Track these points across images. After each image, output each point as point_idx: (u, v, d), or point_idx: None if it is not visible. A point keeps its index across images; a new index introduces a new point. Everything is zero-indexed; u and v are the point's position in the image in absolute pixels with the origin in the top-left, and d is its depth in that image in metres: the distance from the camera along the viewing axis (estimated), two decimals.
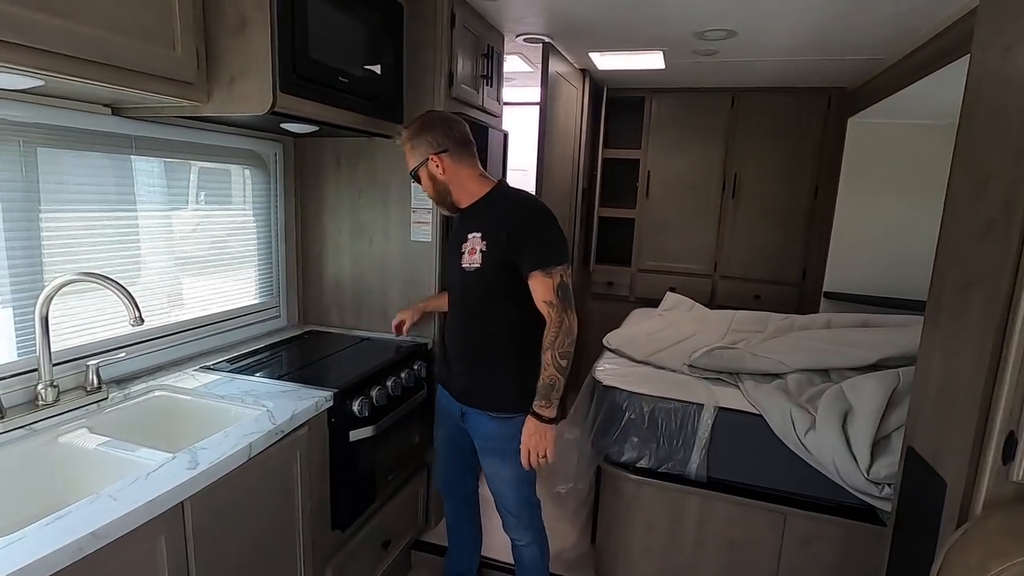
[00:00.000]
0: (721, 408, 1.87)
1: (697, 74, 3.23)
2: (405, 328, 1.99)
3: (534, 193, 2.77)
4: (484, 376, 1.58)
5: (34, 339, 1.31)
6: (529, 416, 1.48)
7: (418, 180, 1.59)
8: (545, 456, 1.49)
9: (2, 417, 1.24)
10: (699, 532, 1.91)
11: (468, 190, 1.56)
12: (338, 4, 1.59)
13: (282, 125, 1.75)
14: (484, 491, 1.78)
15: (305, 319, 2.32)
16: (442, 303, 1.86)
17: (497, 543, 2.00)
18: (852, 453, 1.64)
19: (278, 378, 1.65)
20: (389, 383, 1.80)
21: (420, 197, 2.08)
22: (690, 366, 2.16)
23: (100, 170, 1.53)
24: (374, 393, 1.71)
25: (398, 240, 2.15)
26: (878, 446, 1.64)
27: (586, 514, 2.42)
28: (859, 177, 3.23)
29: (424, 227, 2.11)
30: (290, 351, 1.98)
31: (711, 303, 3.65)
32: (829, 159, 3.39)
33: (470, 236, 1.53)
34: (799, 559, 1.83)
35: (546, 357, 1.45)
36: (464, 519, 1.90)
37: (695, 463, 1.86)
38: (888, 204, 3.21)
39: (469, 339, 1.61)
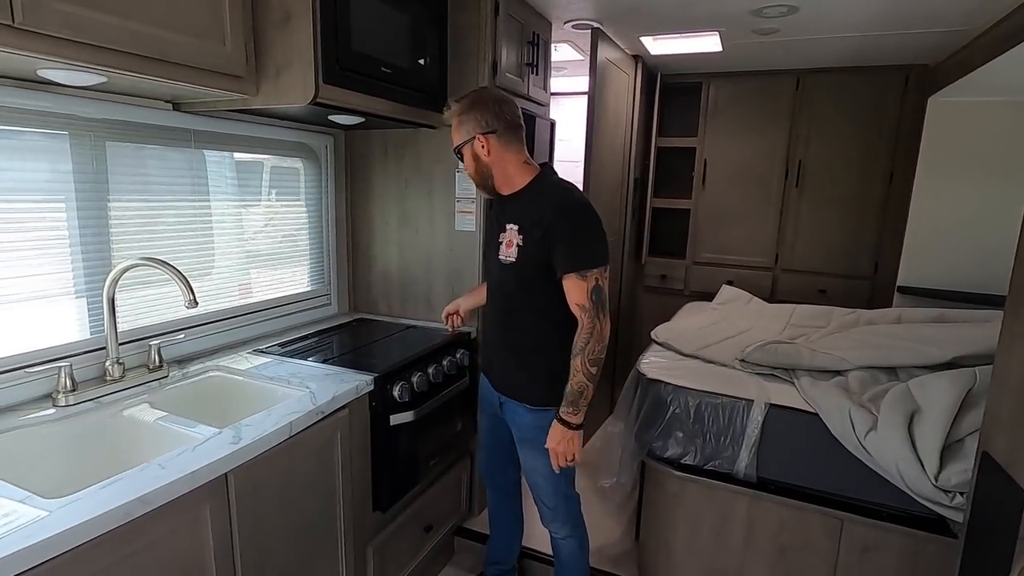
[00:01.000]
0: (773, 405, 1.77)
1: (757, 56, 3.07)
2: (459, 317, 1.91)
3: (582, 185, 2.73)
4: (519, 368, 1.56)
5: (103, 319, 1.42)
6: (556, 421, 1.46)
7: (461, 158, 1.53)
8: (573, 458, 1.48)
9: (74, 390, 1.34)
10: (748, 534, 1.83)
11: (510, 177, 1.51)
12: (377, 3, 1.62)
13: (330, 117, 1.80)
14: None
15: (354, 307, 2.39)
16: (483, 297, 1.84)
17: (538, 533, 1.99)
18: (919, 457, 1.52)
19: (324, 362, 1.71)
20: (430, 370, 1.82)
21: (464, 186, 2.10)
22: (742, 361, 2.06)
23: (168, 163, 1.63)
24: (415, 379, 1.74)
25: (443, 229, 2.17)
26: (949, 451, 1.50)
27: (631, 509, 2.36)
28: (939, 161, 2.97)
29: (468, 216, 2.12)
30: (338, 337, 2.04)
31: (771, 298, 3.47)
32: (906, 143, 3.13)
33: (508, 227, 1.50)
34: (857, 569, 1.71)
35: (575, 363, 1.41)
36: (506, 508, 1.89)
37: (743, 462, 1.77)
38: (971, 190, 2.93)
39: (505, 331, 1.59)
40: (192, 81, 1.30)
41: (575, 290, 1.39)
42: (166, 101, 1.57)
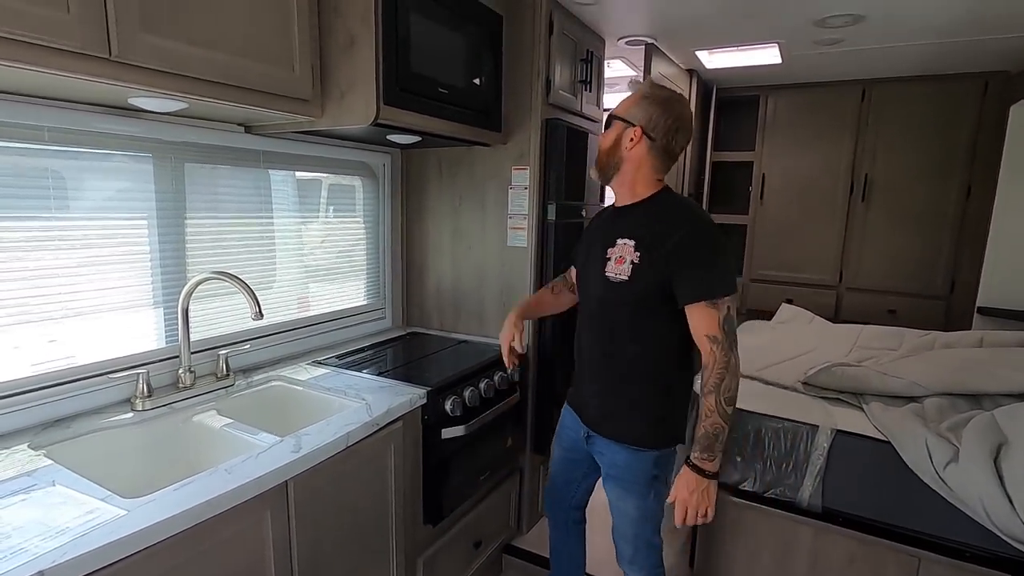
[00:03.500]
0: (839, 431, 1.67)
1: (820, 66, 2.97)
2: (519, 348, 1.61)
3: None
4: (619, 403, 1.40)
5: (177, 329, 1.51)
6: (687, 468, 1.28)
7: (607, 126, 1.39)
8: (705, 515, 1.29)
9: (150, 396, 1.43)
10: (813, 568, 1.73)
11: (632, 185, 1.37)
12: (440, 18, 1.67)
13: (388, 137, 1.87)
14: (592, 503, 1.70)
15: (408, 321, 2.44)
16: (542, 308, 1.73)
17: (600, 557, 1.92)
18: (1007, 494, 1.40)
19: (379, 375, 1.75)
20: (482, 385, 1.83)
21: (517, 203, 2.12)
22: (805, 383, 1.97)
23: (238, 181, 1.73)
24: (466, 394, 1.75)
25: (495, 245, 2.19)
26: None
27: (685, 533, 2.28)
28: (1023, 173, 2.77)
29: (520, 232, 2.13)
30: (392, 350, 2.09)
31: (835, 317, 3.31)
32: (985, 154, 2.94)
33: (620, 241, 1.34)
34: None
35: (708, 402, 1.25)
36: (568, 546, 1.75)
37: (807, 490, 1.68)
38: None
39: (605, 358, 1.41)
40: (263, 105, 1.38)
41: (705, 319, 1.24)
42: (239, 124, 1.67)
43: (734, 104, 3.54)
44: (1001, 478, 1.42)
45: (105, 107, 1.35)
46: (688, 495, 1.28)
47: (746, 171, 3.56)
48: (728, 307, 1.25)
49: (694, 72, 3.12)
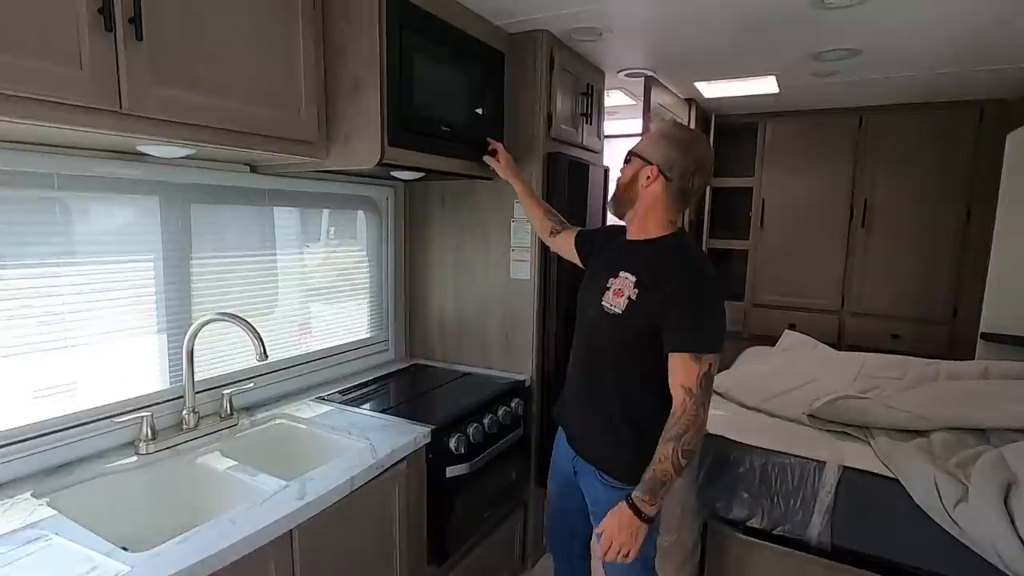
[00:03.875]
0: (847, 468, 1.66)
1: (817, 95, 3.01)
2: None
3: None
4: (602, 428, 1.40)
5: (182, 370, 1.51)
6: (624, 504, 1.26)
7: (626, 162, 1.40)
8: (627, 555, 1.27)
9: (154, 438, 1.42)
10: None
11: (646, 223, 1.38)
12: (442, 58, 1.70)
13: (392, 173, 1.88)
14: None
15: (411, 353, 2.44)
16: (533, 203, 1.81)
17: None
18: (1018, 534, 1.38)
19: (383, 411, 1.74)
20: (486, 420, 1.82)
21: (520, 236, 2.13)
22: (811, 416, 1.96)
23: (241, 220, 1.74)
24: (470, 430, 1.74)
25: (498, 277, 2.20)
26: None
27: (691, 569, 2.24)
28: (1023, 198, 2.78)
29: (523, 265, 2.14)
30: (395, 384, 2.08)
31: (839, 343, 3.31)
32: (984, 180, 2.97)
33: (622, 274, 1.35)
34: None
35: (664, 448, 1.23)
36: None
37: (816, 528, 1.67)
38: None
39: (590, 384, 1.43)
40: (270, 148, 1.39)
41: (684, 370, 1.24)
42: (244, 164, 1.69)
43: (733, 131, 3.57)
44: (1012, 518, 1.40)
45: (113, 152, 1.36)
46: (617, 531, 1.26)
47: (746, 197, 3.59)
48: (710, 365, 1.24)
49: (693, 101, 3.16)
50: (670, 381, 1.28)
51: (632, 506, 1.25)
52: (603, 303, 1.36)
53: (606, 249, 1.51)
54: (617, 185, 1.42)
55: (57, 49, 0.96)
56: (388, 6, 1.46)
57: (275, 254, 1.87)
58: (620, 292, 1.33)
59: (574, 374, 1.51)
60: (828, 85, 2.76)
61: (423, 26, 1.60)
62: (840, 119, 3.26)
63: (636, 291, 1.31)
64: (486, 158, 1.84)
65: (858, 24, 1.90)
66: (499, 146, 1.85)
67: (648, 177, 1.33)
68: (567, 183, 2.15)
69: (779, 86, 2.80)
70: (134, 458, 1.38)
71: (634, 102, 3.16)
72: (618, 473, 1.37)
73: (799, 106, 3.29)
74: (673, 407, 1.26)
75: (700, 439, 1.26)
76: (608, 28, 1.99)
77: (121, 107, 1.05)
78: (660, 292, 1.27)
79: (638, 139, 1.42)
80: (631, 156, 1.39)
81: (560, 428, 1.59)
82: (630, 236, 1.43)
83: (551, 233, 1.76)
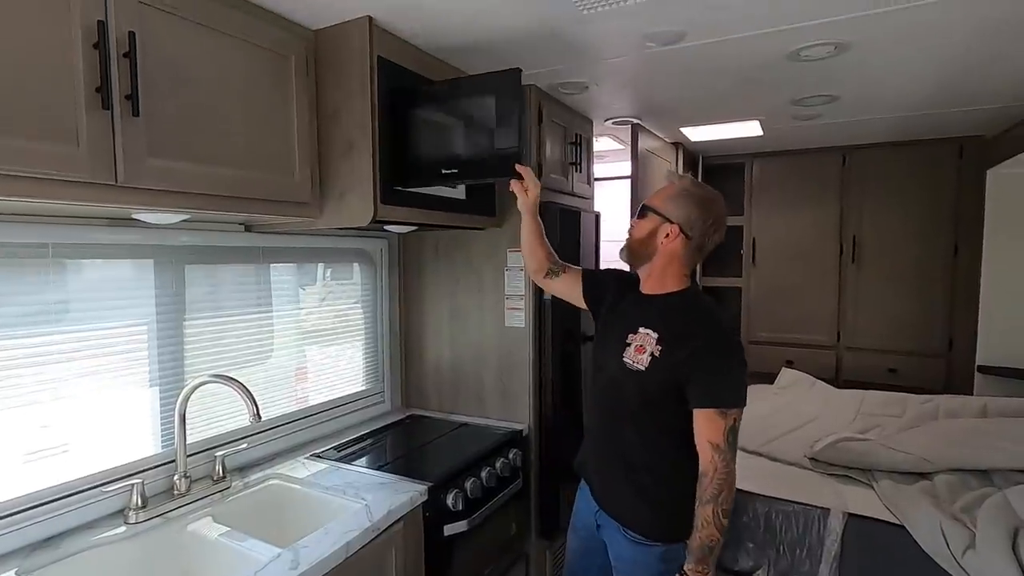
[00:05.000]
0: (852, 515, 1.63)
1: (800, 137, 3.09)
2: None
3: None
4: (626, 482, 1.38)
5: (174, 433, 1.48)
6: None
7: (642, 215, 1.39)
8: None
9: (144, 506, 1.39)
10: None
11: (663, 278, 1.38)
12: (434, 116, 1.74)
13: (385, 227, 1.91)
14: None
15: (407, 402, 2.41)
16: (534, 239, 1.66)
17: None
18: None
19: (379, 468, 1.71)
20: (484, 474, 1.79)
21: (514, 284, 2.14)
22: (812, 459, 1.94)
23: (236, 277, 1.75)
24: (468, 485, 1.71)
25: (493, 326, 2.20)
26: None
27: None
28: (1008, 233, 2.84)
29: (518, 313, 2.14)
30: (392, 438, 2.05)
31: (837, 378, 3.30)
32: (968, 214, 3.02)
33: (642, 330, 1.34)
34: None
35: (705, 512, 1.23)
36: None
37: None
38: None
39: (608, 437, 1.42)
40: (263, 212, 1.41)
41: (711, 427, 1.24)
42: (239, 224, 1.71)
43: (720, 171, 3.64)
44: (1021, 565, 1.37)
45: (107, 219, 1.38)
46: None
47: (737, 235, 3.63)
48: (735, 419, 1.25)
49: (680, 144, 3.23)
50: (696, 437, 1.27)
51: None
52: (624, 359, 1.34)
53: (620, 301, 1.48)
54: (631, 238, 1.41)
55: (56, 129, 0.98)
56: (380, 71, 1.51)
57: (271, 310, 1.87)
58: (642, 348, 1.32)
59: (592, 428, 1.49)
60: (810, 127, 2.84)
61: (413, 86, 1.65)
62: (824, 157, 3.34)
63: (659, 348, 1.30)
64: (512, 183, 1.62)
65: (834, 73, 1.97)
66: (529, 173, 1.58)
67: (668, 235, 1.33)
68: (559, 230, 2.17)
69: (763, 129, 2.87)
70: (123, 528, 1.34)
71: (622, 147, 3.23)
72: (641, 528, 1.35)
73: (784, 146, 3.37)
74: (702, 466, 1.25)
75: (734, 494, 1.26)
76: (594, 81, 2.05)
77: (117, 180, 1.07)
78: (684, 349, 1.27)
79: (654, 193, 1.40)
80: (647, 212, 1.37)
81: (583, 480, 1.56)
82: (646, 290, 1.42)
83: (548, 274, 1.70)
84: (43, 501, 1.28)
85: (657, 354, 1.30)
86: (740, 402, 1.26)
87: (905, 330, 3.20)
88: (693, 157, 3.52)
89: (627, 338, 1.36)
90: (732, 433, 1.24)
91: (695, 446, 1.29)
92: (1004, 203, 2.84)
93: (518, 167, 1.53)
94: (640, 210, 1.40)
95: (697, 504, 1.25)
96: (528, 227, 1.68)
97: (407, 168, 1.61)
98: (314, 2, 1.41)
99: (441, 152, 1.69)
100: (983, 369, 2.89)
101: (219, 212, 1.31)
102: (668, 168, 3.12)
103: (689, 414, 1.28)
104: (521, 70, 1.60)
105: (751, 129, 2.89)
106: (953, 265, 3.09)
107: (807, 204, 3.42)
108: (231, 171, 1.29)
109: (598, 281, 1.61)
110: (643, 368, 1.31)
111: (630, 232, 1.42)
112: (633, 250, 1.41)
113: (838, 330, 3.36)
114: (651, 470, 1.35)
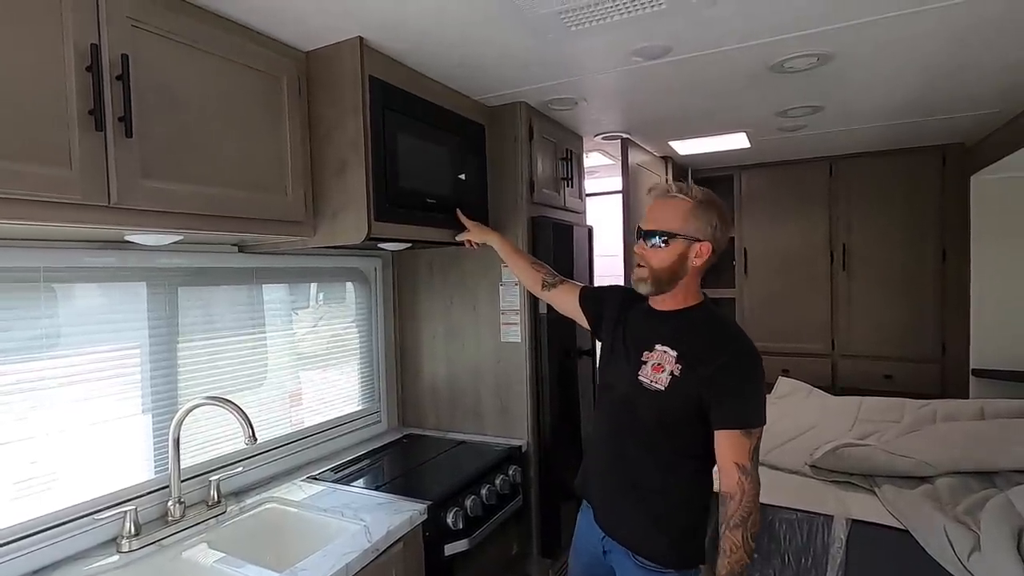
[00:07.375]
0: (855, 521, 1.62)
1: (787, 147, 3.14)
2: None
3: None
4: (637, 507, 1.32)
5: (167, 458, 1.46)
6: None
7: (659, 244, 1.28)
8: None
9: (137, 534, 1.36)
10: None
11: (684, 296, 1.32)
12: (425, 135, 1.76)
13: (379, 245, 1.91)
14: None
15: (404, 421, 2.39)
16: (519, 261, 1.76)
17: None
18: None
19: (376, 488, 1.69)
20: (483, 491, 1.77)
21: (508, 299, 2.14)
22: (812, 466, 1.93)
23: (230, 299, 1.74)
24: (468, 503, 1.69)
25: (489, 342, 2.19)
26: None
27: None
28: (994, 237, 2.88)
29: (513, 328, 2.14)
30: (389, 457, 2.03)
31: (833, 385, 3.30)
32: (954, 220, 3.07)
33: (659, 348, 1.29)
34: None
35: (734, 537, 1.18)
36: None
37: None
38: None
39: (619, 459, 1.36)
40: (257, 231, 1.42)
41: (736, 447, 1.19)
42: (232, 245, 1.71)
43: (709, 183, 3.67)
44: None
45: (99, 242, 1.37)
46: None
47: (728, 245, 3.65)
48: (758, 438, 1.21)
49: (669, 158, 3.28)
50: (719, 459, 1.22)
51: None
52: (640, 378, 1.29)
53: (625, 317, 1.42)
54: (654, 268, 1.29)
55: (48, 151, 0.99)
56: (371, 90, 1.53)
57: (264, 331, 1.86)
58: (660, 367, 1.27)
59: (600, 448, 1.42)
60: (796, 138, 2.89)
61: (405, 106, 1.67)
62: (811, 168, 3.39)
63: (679, 366, 1.25)
64: (459, 236, 1.87)
65: (818, 84, 2.01)
66: (460, 215, 1.85)
67: (698, 254, 1.27)
68: (552, 244, 2.19)
69: (750, 141, 2.91)
70: (116, 557, 1.31)
71: (613, 162, 3.27)
72: (654, 555, 1.30)
73: (771, 158, 3.42)
74: (726, 487, 1.21)
75: (760, 515, 1.22)
76: (583, 97, 2.08)
77: (110, 201, 1.07)
78: (705, 370, 1.21)
79: (660, 215, 1.30)
80: (670, 238, 1.27)
81: (584, 503, 1.49)
82: (660, 306, 1.35)
83: (543, 287, 1.70)
84: (33, 531, 1.25)
85: (677, 373, 1.25)
86: (763, 420, 1.22)
87: (898, 336, 3.22)
88: (683, 170, 3.56)
89: (642, 355, 1.31)
90: (755, 452, 1.20)
91: (709, 468, 1.26)
92: (988, 208, 2.89)
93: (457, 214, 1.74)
94: (653, 236, 1.29)
95: (724, 528, 1.20)
96: (497, 246, 1.82)
97: (398, 190, 1.62)
98: (305, 25, 1.43)
99: (426, 177, 1.74)
100: (977, 372, 2.91)
101: (213, 232, 1.31)
102: (656, 181, 3.15)
103: (707, 435, 1.24)
104: (484, 127, 1.86)
105: (738, 141, 2.93)
106: (942, 270, 3.12)
107: (796, 214, 3.46)
108: (224, 191, 1.30)
109: (596, 296, 1.58)
110: (662, 388, 1.26)
111: (646, 261, 1.30)
112: (662, 280, 1.30)
113: (832, 338, 3.37)
114: (664, 493, 1.30)
